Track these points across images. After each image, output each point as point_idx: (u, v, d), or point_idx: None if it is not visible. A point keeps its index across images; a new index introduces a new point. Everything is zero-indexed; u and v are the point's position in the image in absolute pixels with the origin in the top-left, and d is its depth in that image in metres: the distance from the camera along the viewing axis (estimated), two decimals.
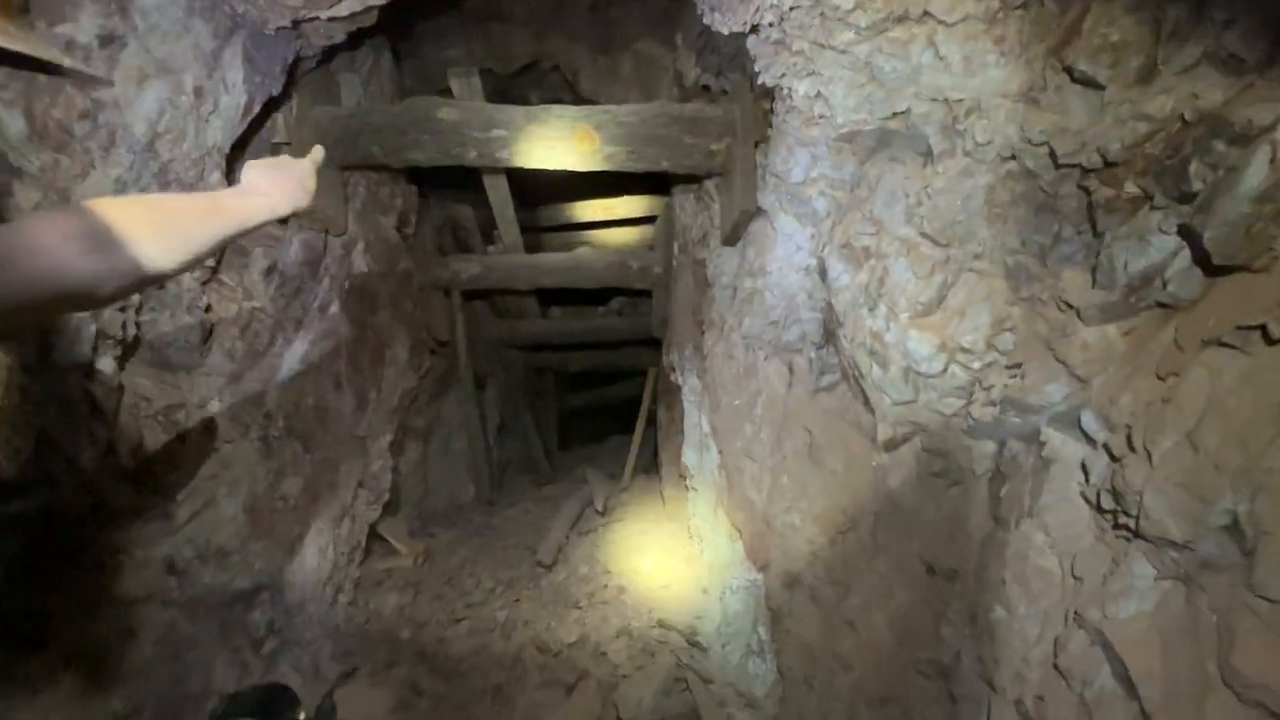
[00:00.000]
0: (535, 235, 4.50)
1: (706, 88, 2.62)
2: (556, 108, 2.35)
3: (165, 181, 1.57)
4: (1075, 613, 1.19)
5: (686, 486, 3.04)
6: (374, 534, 3.11)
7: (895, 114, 1.60)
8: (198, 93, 1.59)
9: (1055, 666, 1.21)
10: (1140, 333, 1.19)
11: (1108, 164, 1.18)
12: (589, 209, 4.37)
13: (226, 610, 2.14)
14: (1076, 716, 1.15)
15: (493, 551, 3.45)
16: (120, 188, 1.41)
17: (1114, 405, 1.18)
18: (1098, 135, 1.18)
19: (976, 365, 1.49)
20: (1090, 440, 1.23)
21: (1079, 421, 1.24)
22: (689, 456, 2.93)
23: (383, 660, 2.57)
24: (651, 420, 4.59)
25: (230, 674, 2.12)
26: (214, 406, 2.06)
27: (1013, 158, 1.38)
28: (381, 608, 2.86)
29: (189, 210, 0.73)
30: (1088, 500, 1.22)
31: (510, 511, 4.04)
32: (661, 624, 2.54)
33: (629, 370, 5.26)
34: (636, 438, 4.62)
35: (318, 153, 0.98)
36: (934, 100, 1.50)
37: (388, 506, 3.18)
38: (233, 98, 1.74)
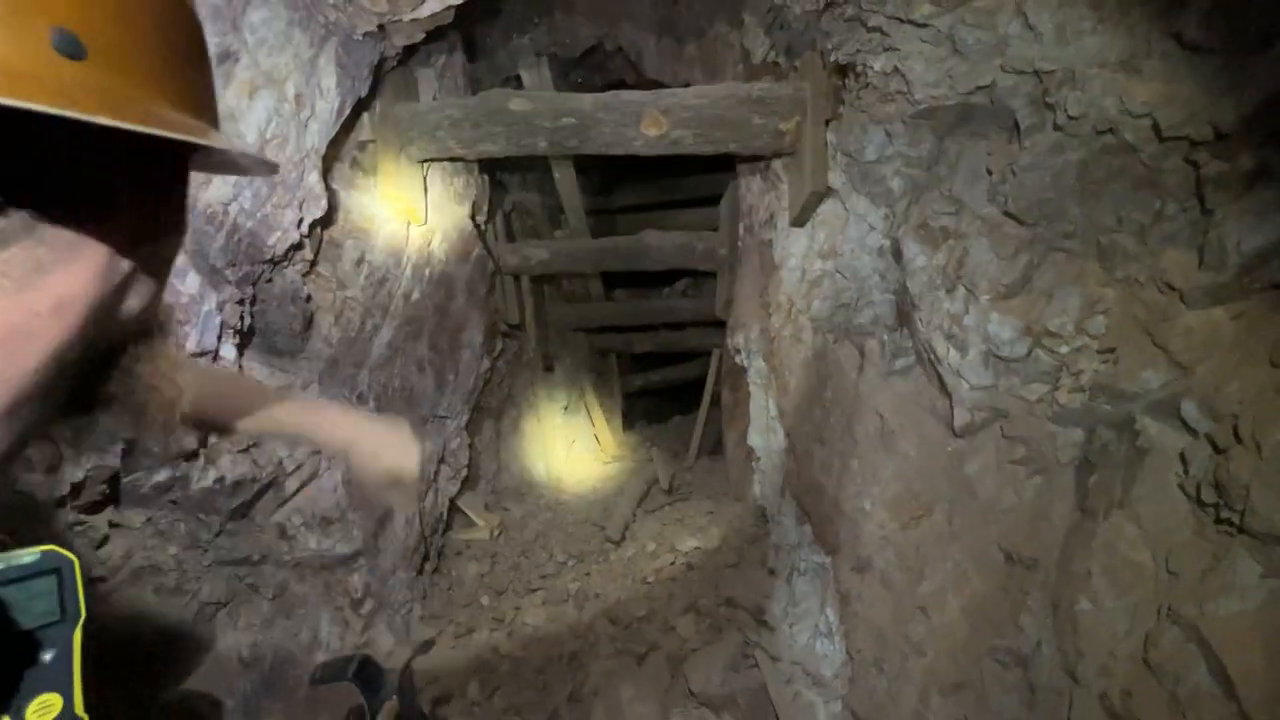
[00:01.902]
0: (602, 218, 4.56)
1: (775, 64, 2.57)
2: (624, 93, 2.37)
3: (272, 183, 1.72)
4: (1169, 608, 1.15)
5: (752, 468, 3.06)
6: (454, 507, 3.31)
7: (979, 88, 1.53)
8: (298, 100, 1.72)
9: (1145, 662, 1.17)
10: (1252, 317, 1.11)
11: (1220, 136, 1.10)
12: (655, 190, 4.38)
13: (329, 573, 2.35)
14: (1168, 713, 1.12)
15: (563, 526, 3.60)
16: (238, 191, 1.55)
17: (1219, 393, 1.12)
18: (1209, 105, 1.10)
19: (1064, 350, 1.43)
20: (1191, 430, 1.17)
21: (1179, 410, 1.18)
22: (755, 438, 2.94)
23: (465, 624, 2.75)
24: (715, 401, 4.61)
25: (334, 630, 2.33)
26: (314, 389, 2.24)
27: (1110, 131, 1.31)
28: (463, 575, 3.05)
29: None
30: (1186, 492, 1.17)
31: (578, 489, 4.18)
32: (729, 602, 2.59)
33: (693, 351, 5.28)
34: (700, 418, 4.65)
35: None
36: (1022, 72, 1.43)
37: (465, 482, 3.37)
38: (327, 102, 1.87)
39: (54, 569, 0.42)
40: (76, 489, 1.42)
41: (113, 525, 1.57)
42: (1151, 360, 1.27)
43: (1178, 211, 1.24)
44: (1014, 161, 1.48)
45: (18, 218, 0.31)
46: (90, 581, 1.53)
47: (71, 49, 0.30)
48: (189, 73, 0.38)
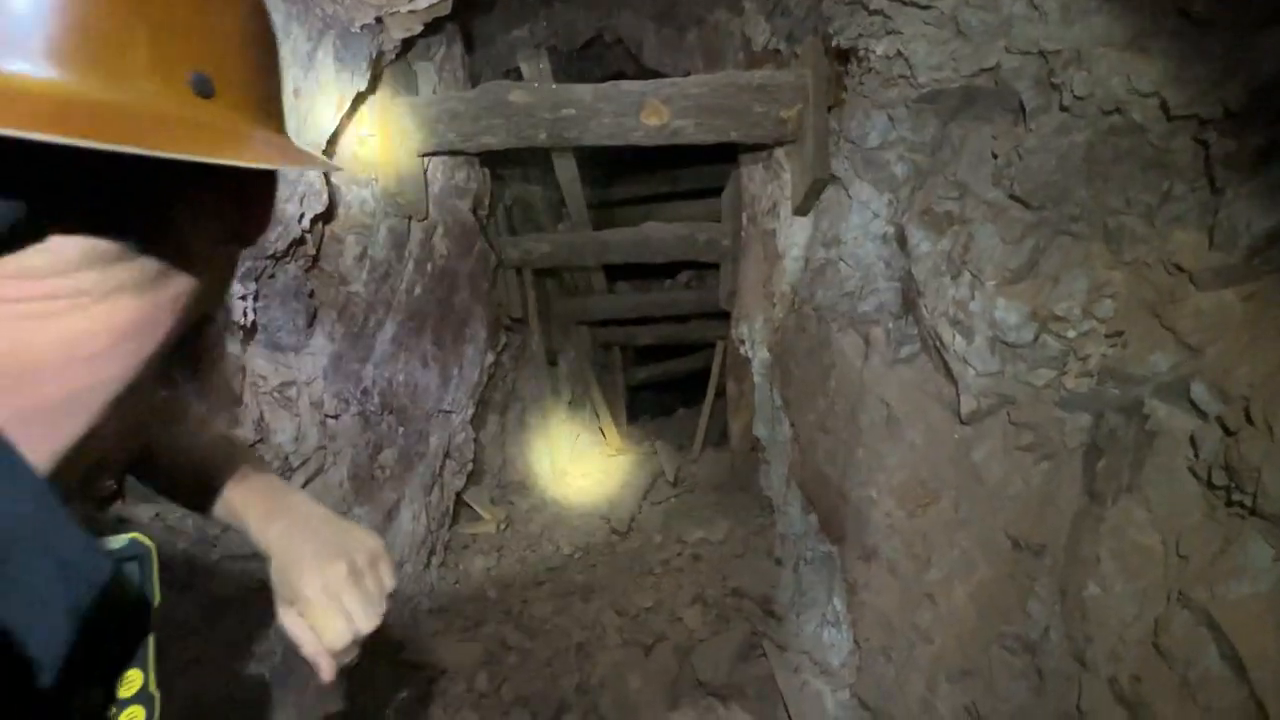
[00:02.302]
0: (604, 210, 4.54)
1: (777, 51, 2.55)
2: (624, 83, 2.35)
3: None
4: (1179, 592, 1.14)
5: (758, 459, 3.06)
6: (460, 501, 3.32)
7: (983, 70, 1.52)
8: (296, 94, 1.71)
9: (1155, 646, 1.17)
10: (1263, 298, 1.10)
11: (1229, 114, 1.08)
12: (656, 181, 4.35)
13: None
14: (1178, 698, 1.11)
15: (568, 519, 3.61)
16: None
17: (1229, 375, 1.11)
18: (1218, 83, 1.08)
19: (1071, 334, 1.42)
20: (1201, 412, 1.16)
21: (1188, 392, 1.17)
22: (760, 429, 2.93)
23: (473, 617, 2.76)
24: (720, 393, 4.60)
25: None
26: (319, 384, 2.24)
27: (1117, 111, 1.29)
28: (470, 569, 3.06)
29: None
30: (1196, 476, 1.16)
31: (583, 482, 4.19)
32: (736, 592, 2.60)
33: (697, 343, 5.26)
34: (705, 410, 4.65)
35: None
36: (1027, 53, 1.41)
37: (471, 476, 3.38)
38: (327, 96, 1.86)
39: (137, 555, 0.46)
40: (84, 484, 1.43)
41: (120, 520, 1.58)
42: (1160, 343, 1.26)
43: (1186, 192, 1.23)
44: (1019, 144, 1.46)
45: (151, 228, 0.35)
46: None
47: (204, 89, 0.33)
48: (278, 89, 0.42)
